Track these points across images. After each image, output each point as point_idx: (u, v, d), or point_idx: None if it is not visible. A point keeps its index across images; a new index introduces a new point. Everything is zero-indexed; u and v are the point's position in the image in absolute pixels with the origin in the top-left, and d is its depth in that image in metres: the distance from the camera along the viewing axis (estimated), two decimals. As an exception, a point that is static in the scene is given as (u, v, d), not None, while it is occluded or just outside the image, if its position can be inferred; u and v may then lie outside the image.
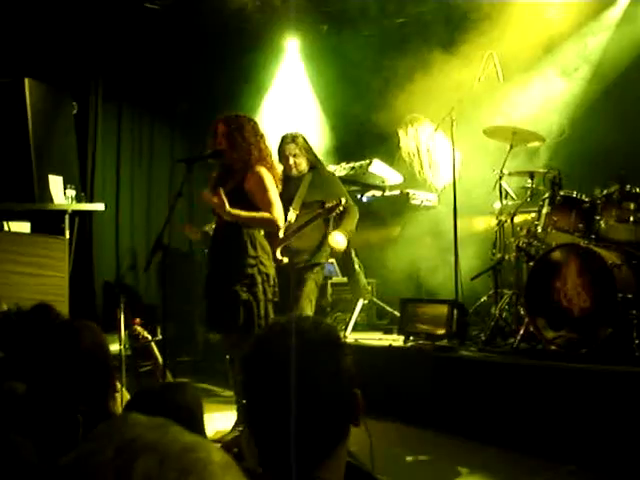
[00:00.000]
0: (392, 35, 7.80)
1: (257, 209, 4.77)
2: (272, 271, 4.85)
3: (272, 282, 4.82)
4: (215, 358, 6.93)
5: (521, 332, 5.22)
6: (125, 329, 4.92)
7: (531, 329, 5.09)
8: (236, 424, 4.93)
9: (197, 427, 2.14)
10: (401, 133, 7.37)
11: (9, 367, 2.88)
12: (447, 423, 5.04)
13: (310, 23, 8.42)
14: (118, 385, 3.11)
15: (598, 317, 4.74)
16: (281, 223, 4.86)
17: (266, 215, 4.75)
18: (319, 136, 8.42)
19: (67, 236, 6.37)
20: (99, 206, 7.00)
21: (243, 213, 4.70)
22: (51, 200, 6.27)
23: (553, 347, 4.92)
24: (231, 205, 4.67)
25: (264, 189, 4.77)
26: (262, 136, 4.96)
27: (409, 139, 7.36)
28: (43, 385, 2.42)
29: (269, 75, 8.74)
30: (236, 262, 4.73)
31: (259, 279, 4.72)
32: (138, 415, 0.75)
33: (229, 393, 6.10)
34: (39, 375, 2.45)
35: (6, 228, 6.45)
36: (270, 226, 4.84)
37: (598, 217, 5.13)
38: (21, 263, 6.01)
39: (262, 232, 4.94)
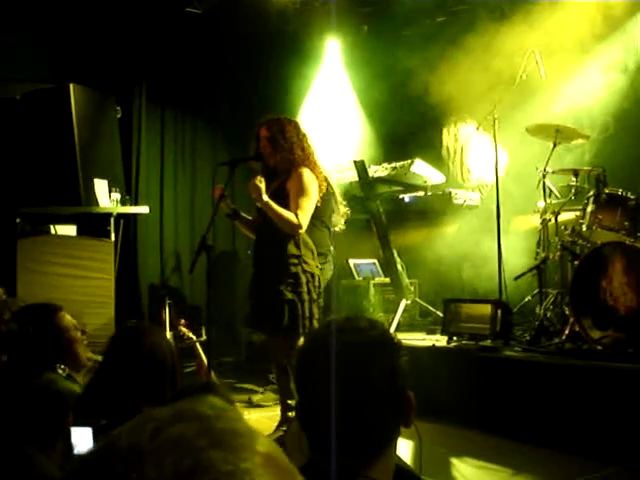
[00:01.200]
0: (433, 34, 7.76)
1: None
2: (317, 270, 4.85)
3: (317, 282, 4.81)
4: (258, 358, 6.98)
5: (566, 332, 5.16)
6: (170, 330, 5.00)
7: (576, 329, 5.03)
8: (280, 424, 4.96)
9: None
10: (444, 132, 7.34)
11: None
12: (492, 424, 5.00)
13: (350, 24, 8.43)
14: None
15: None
16: (303, 230, 4.77)
17: (292, 218, 4.70)
18: (360, 137, 8.44)
19: (113, 239, 6.48)
20: (144, 209, 7.10)
21: (274, 206, 4.67)
22: (97, 203, 6.38)
23: (599, 347, 4.86)
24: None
25: (300, 191, 4.75)
26: (304, 135, 4.97)
27: (450, 138, 7.33)
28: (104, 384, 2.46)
29: (310, 76, 8.76)
30: (279, 261, 4.72)
31: (303, 279, 4.72)
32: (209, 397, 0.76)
33: (271, 395, 6.14)
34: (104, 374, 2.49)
35: (53, 231, 6.57)
36: (292, 229, 4.75)
37: (644, 215, 5.05)
38: (68, 265, 6.13)
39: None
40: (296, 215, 4.70)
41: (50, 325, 3.13)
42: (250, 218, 5.08)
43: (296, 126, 4.98)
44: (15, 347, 3.11)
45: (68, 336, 3.17)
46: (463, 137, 7.18)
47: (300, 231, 4.75)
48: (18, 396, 2.25)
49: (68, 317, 3.24)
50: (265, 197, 4.65)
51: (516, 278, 5.96)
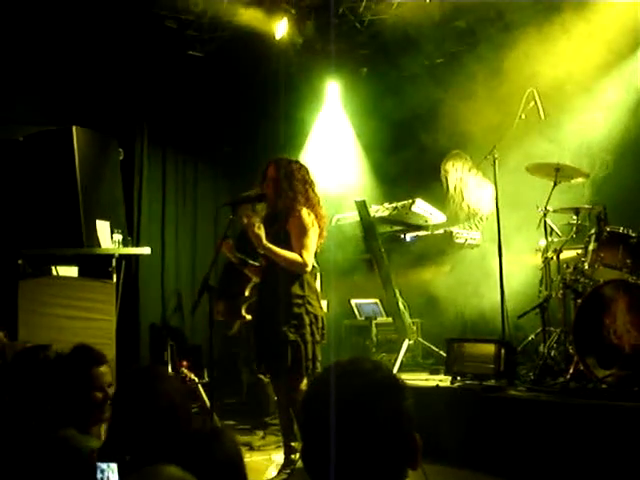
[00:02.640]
0: (432, 75, 7.84)
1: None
2: (320, 312, 4.84)
3: (320, 324, 4.80)
4: (260, 400, 6.92)
5: (571, 371, 5.13)
6: (172, 371, 4.97)
7: (581, 368, 4.99)
8: (283, 467, 4.90)
9: (238, 477, 2.12)
10: (444, 169, 7.39)
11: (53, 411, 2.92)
12: (498, 465, 4.94)
13: (350, 66, 8.53)
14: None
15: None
16: (309, 269, 4.79)
17: (297, 257, 4.71)
18: (361, 177, 8.48)
19: (114, 280, 6.46)
20: (145, 250, 7.09)
21: (276, 249, 4.69)
22: (98, 245, 6.37)
23: (604, 386, 4.82)
24: (276, 246, 4.70)
25: (302, 231, 4.76)
26: (311, 184, 4.96)
27: (450, 175, 7.38)
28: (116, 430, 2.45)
29: (310, 118, 8.84)
30: (283, 302, 4.71)
31: (307, 320, 4.70)
32: (171, 468, 0.75)
33: (273, 438, 6.08)
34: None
35: (54, 273, 6.55)
36: (299, 269, 4.76)
37: (646, 252, 5.05)
38: (69, 307, 6.10)
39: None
40: (301, 255, 4.70)
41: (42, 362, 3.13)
42: (257, 264, 5.07)
43: (305, 173, 4.96)
44: (15, 389, 3.09)
45: None
46: (461, 175, 7.22)
47: (307, 269, 4.76)
48: (36, 453, 2.26)
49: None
50: (266, 243, 4.66)
51: (519, 317, 5.94)
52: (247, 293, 6.00)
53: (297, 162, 5.09)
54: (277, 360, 4.67)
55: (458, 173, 7.32)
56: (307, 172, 4.99)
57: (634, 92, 6.48)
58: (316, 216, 4.84)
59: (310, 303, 4.76)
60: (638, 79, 6.54)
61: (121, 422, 2.46)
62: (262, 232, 4.65)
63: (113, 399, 2.61)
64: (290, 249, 4.74)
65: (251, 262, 5.07)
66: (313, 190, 4.96)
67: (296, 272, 4.76)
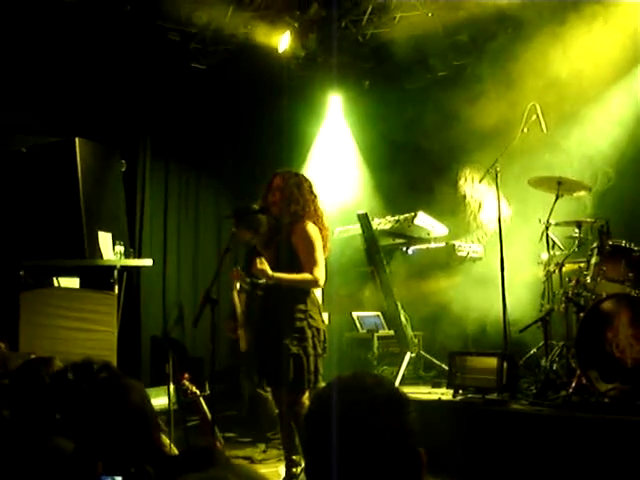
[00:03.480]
0: (434, 88, 7.86)
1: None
2: (322, 325, 4.83)
3: (322, 337, 4.79)
4: (261, 414, 6.90)
5: (573, 385, 5.11)
6: (174, 384, 4.95)
7: (583, 381, 4.98)
8: (284, 480, 4.89)
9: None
10: (459, 177, 7.37)
11: (59, 425, 2.90)
12: (500, 478, 4.92)
13: (352, 79, 8.55)
14: (167, 440, 3.12)
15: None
16: (322, 283, 4.81)
17: (307, 276, 4.72)
18: (363, 190, 8.50)
19: (116, 291, 6.46)
20: (147, 261, 7.09)
21: (284, 276, 4.69)
22: (100, 256, 6.38)
23: (606, 399, 4.81)
24: (279, 260, 4.70)
25: (309, 245, 4.76)
26: (316, 197, 4.99)
27: (465, 184, 7.37)
28: (90, 443, 2.45)
29: (313, 130, 8.86)
30: (286, 316, 4.71)
31: (309, 333, 4.69)
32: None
33: (274, 451, 6.06)
34: (86, 433, 2.48)
35: (56, 284, 6.55)
36: (312, 286, 4.80)
37: (649, 266, 5.05)
38: (70, 318, 6.10)
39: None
40: (312, 271, 4.71)
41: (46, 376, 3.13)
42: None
43: (311, 186, 4.99)
44: (16, 402, 3.09)
45: None
46: (477, 186, 7.21)
47: (320, 284, 4.79)
48: (35, 463, 2.26)
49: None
50: (273, 275, 4.66)
51: (521, 330, 5.93)
52: (238, 309, 6.04)
53: (302, 174, 5.14)
54: (279, 373, 4.66)
55: (474, 183, 7.31)
56: (312, 185, 5.03)
57: (636, 105, 6.49)
58: (320, 230, 4.85)
59: (312, 317, 4.75)
60: (639, 92, 6.56)
61: (93, 432, 2.46)
62: (266, 266, 4.65)
63: (83, 410, 2.60)
64: (295, 261, 4.74)
65: (260, 282, 5.08)
66: (316, 203, 4.98)
67: (310, 289, 4.79)
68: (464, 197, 7.30)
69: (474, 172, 7.21)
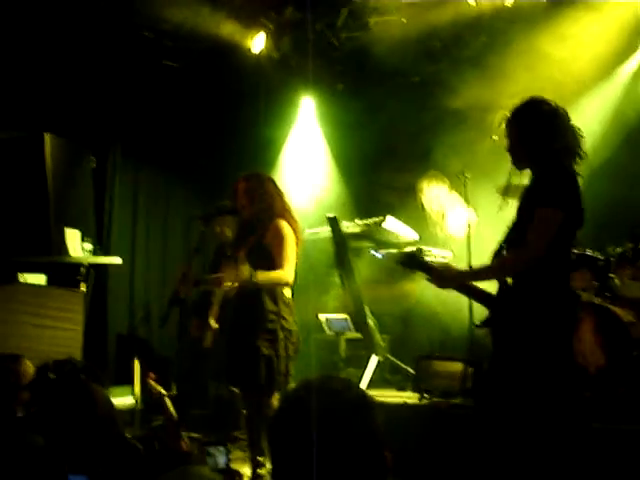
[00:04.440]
0: (407, 93, 7.90)
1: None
2: (294, 327, 4.83)
3: (294, 339, 4.80)
4: (227, 413, 6.88)
5: (536, 390, 5.16)
6: (139, 383, 4.92)
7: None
8: (250, 481, 4.88)
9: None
10: (419, 188, 7.42)
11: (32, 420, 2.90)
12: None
13: (325, 82, 8.57)
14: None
15: (613, 375, 4.70)
16: (291, 281, 4.80)
17: (280, 275, 4.71)
18: (334, 192, 8.51)
19: (83, 289, 6.41)
20: (115, 259, 7.04)
21: (262, 278, 4.63)
22: (67, 253, 6.32)
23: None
24: (254, 260, 4.69)
25: (281, 243, 4.76)
26: (281, 194, 5.01)
27: (425, 195, 7.41)
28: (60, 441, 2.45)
29: (284, 133, 8.86)
30: (257, 317, 4.71)
31: (281, 335, 4.70)
32: (203, 469, 0.76)
33: (239, 453, 6.05)
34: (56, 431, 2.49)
35: (22, 280, 6.48)
36: (284, 284, 4.80)
37: (612, 275, 5.13)
38: (36, 315, 6.04)
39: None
40: (283, 269, 4.70)
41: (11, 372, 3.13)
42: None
43: (274, 183, 5.04)
44: None
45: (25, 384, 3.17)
46: (439, 196, 7.26)
47: (290, 281, 4.78)
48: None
49: (29, 366, 3.26)
50: (254, 279, 4.59)
51: (477, 326, 5.96)
52: (213, 301, 5.99)
53: (264, 174, 5.20)
54: (249, 374, 4.66)
55: (434, 193, 7.36)
56: (275, 182, 5.07)
57: (611, 110, 6.58)
58: (291, 224, 4.86)
59: (285, 318, 4.76)
60: (607, 102, 6.66)
61: (60, 432, 2.48)
62: (244, 273, 4.59)
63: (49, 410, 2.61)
64: (270, 261, 4.73)
65: (209, 277, 5.08)
66: (283, 199, 5.01)
67: (280, 287, 4.79)
68: (423, 208, 7.36)
69: (436, 181, 7.27)
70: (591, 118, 6.66)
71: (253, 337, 4.67)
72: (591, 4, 6.53)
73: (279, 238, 4.77)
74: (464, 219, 6.14)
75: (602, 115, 6.70)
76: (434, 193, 7.21)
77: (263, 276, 4.66)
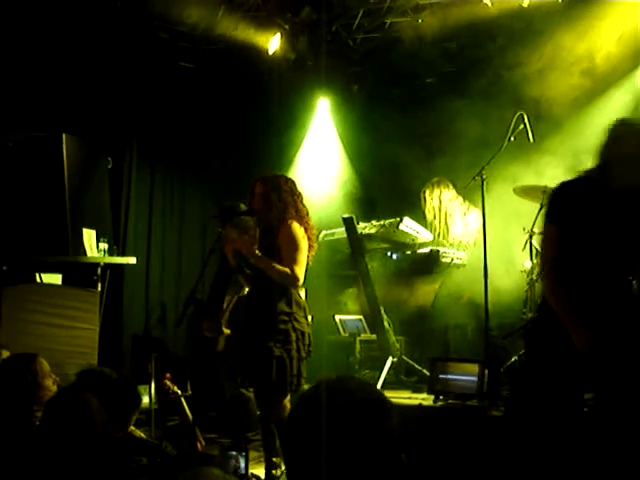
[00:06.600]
0: (422, 94, 7.89)
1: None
2: (307, 329, 4.82)
3: (307, 340, 4.79)
4: (242, 414, 6.88)
5: (553, 393, 5.13)
6: (155, 383, 4.94)
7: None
8: (264, 482, 4.88)
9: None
10: (423, 197, 7.44)
11: None
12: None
13: (341, 83, 8.57)
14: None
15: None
16: (301, 282, 4.78)
17: (287, 270, 4.69)
18: (350, 194, 8.50)
19: (99, 289, 6.43)
20: (131, 260, 7.06)
21: (267, 261, 4.68)
22: (84, 253, 6.34)
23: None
24: None
25: (292, 244, 4.75)
26: (299, 196, 4.98)
27: (432, 201, 7.42)
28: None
29: (300, 134, 8.86)
30: (270, 318, 4.70)
31: (293, 336, 4.69)
32: (215, 470, 0.76)
33: (254, 453, 6.04)
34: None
35: (38, 280, 6.52)
36: (290, 282, 4.75)
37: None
38: (52, 315, 6.07)
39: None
40: (292, 269, 4.68)
41: (28, 372, 3.16)
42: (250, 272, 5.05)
43: (292, 185, 4.98)
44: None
45: (41, 383, 3.19)
46: (444, 200, 7.27)
47: (298, 283, 4.75)
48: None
49: (45, 365, 3.29)
50: (256, 251, 4.66)
51: (504, 337, 5.96)
52: (224, 306, 5.99)
53: (283, 176, 5.14)
54: (261, 375, 4.65)
55: (436, 201, 7.38)
56: (294, 184, 5.03)
57: (625, 113, 6.53)
58: (306, 229, 4.85)
59: (297, 320, 4.75)
60: (627, 104, 6.61)
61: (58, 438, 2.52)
62: (252, 241, 4.65)
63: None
64: (280, 263, 4.72)
65: (248, 271, 5.05)
66: (301, 202, 4.98)
67: (287, 286, 4.76)
68: (424, 216, 7.38)
69: (442, 187, 7.27)
70: (613, 115, 6.60)
71: (265, 338, 4.67)
72: (609, 3, 6.49)
73: (290, 240, 4.75)
74: (473, 225, 6.12)
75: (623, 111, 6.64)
76: (436, 201, 7.22)
77: (267, 261, 4.67)
